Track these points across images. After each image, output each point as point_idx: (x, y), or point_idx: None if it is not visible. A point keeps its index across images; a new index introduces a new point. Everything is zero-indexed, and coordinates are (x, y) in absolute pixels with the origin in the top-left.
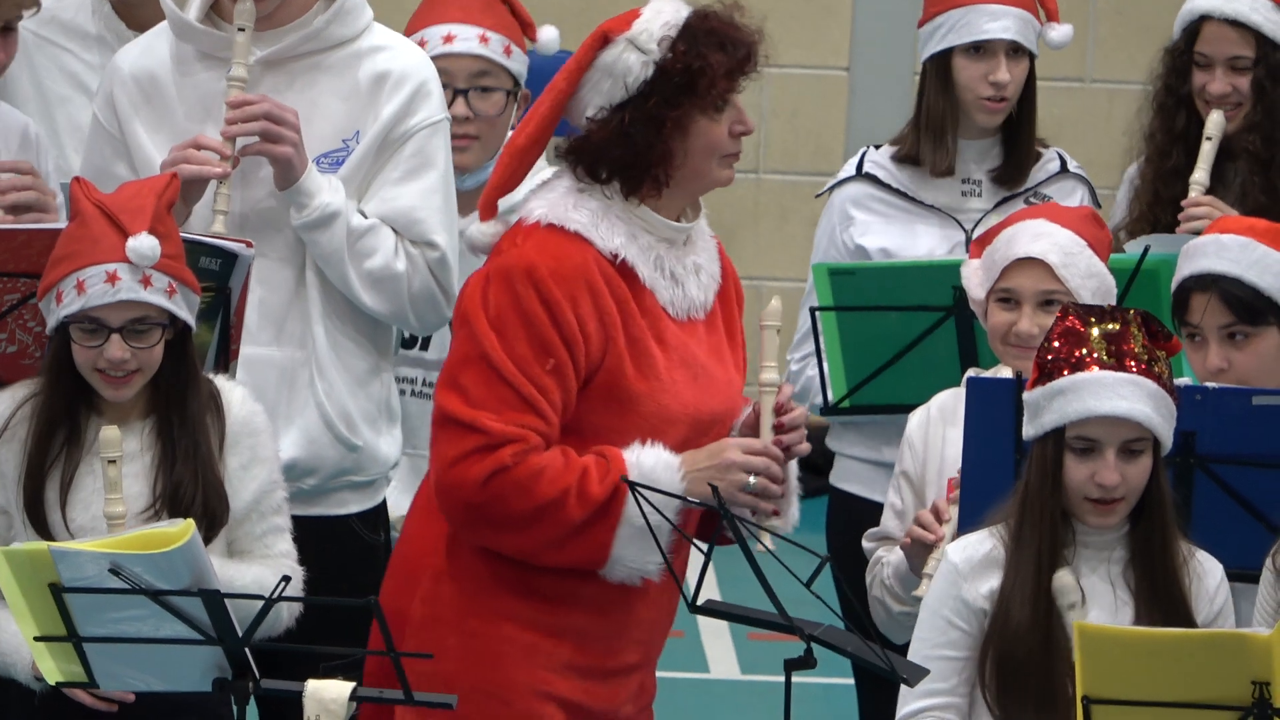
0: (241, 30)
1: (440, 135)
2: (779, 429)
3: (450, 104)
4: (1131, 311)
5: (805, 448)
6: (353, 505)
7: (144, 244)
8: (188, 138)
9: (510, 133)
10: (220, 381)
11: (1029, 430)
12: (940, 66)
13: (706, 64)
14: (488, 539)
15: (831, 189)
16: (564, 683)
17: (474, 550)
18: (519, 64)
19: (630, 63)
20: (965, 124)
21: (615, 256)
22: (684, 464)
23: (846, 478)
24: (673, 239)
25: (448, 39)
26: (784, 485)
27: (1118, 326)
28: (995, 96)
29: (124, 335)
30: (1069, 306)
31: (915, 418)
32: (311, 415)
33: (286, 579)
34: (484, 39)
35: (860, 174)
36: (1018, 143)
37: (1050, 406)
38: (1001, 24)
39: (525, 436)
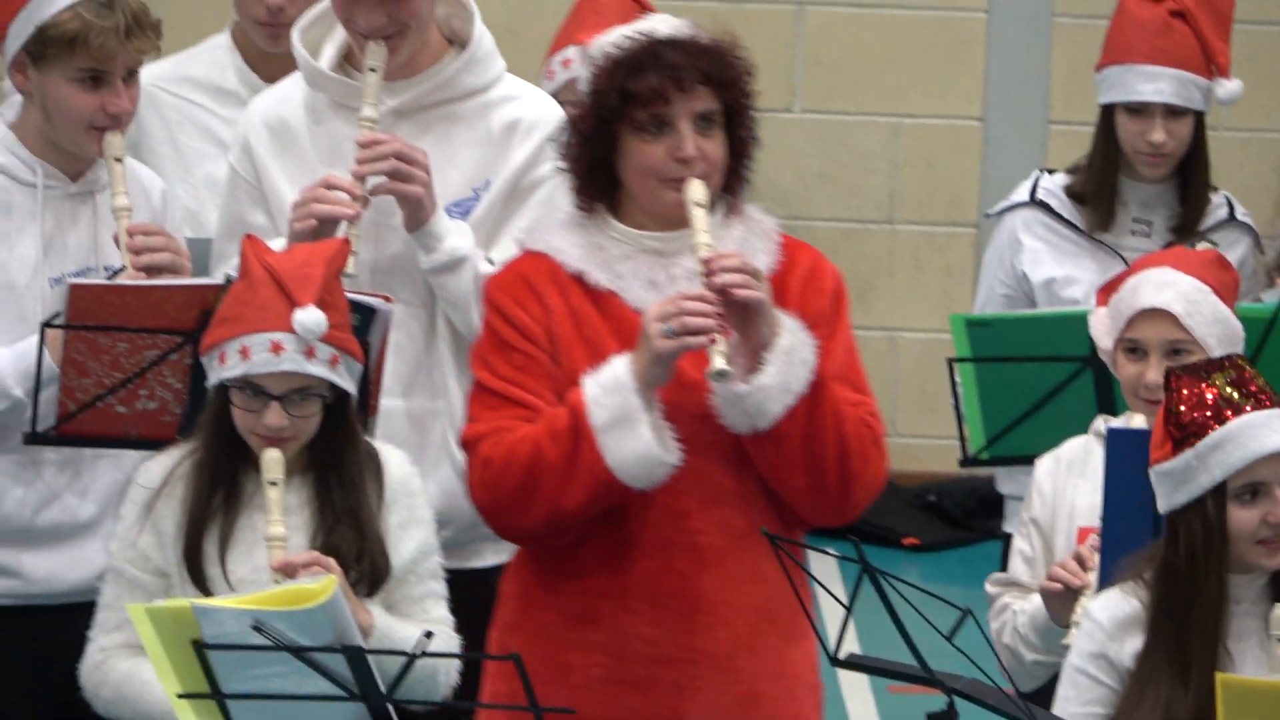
0: (372, 71)
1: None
2: (708, 275)
3: None
4: (1233, 356)
5: (747, 294)
6: (489, 557)
7: (311, 318)
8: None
9: None
10: (378, 444)
11: (1176, 498)
12: (1107, 117)
13: (631, 85)
14: (521, 527)
15: (1003, 212)
16: (592, 697)
17: (513, 578)
18: None
19: (583, 76)
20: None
21: (568, 266)
22: (630, 359)
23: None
24: (658, 249)
25: None
26: (717, 319)
27: (1235, 372)
28: (1153, 154)
29: (284, 403)
30: (1175, 373)
31: (1043, 465)
32: (445, 467)
33: (429, 634)
34: None
35: (1033, 200)
36: (1188, 195)
37: (1207, 465)
38: (1155, 86)
39: (499, 427)
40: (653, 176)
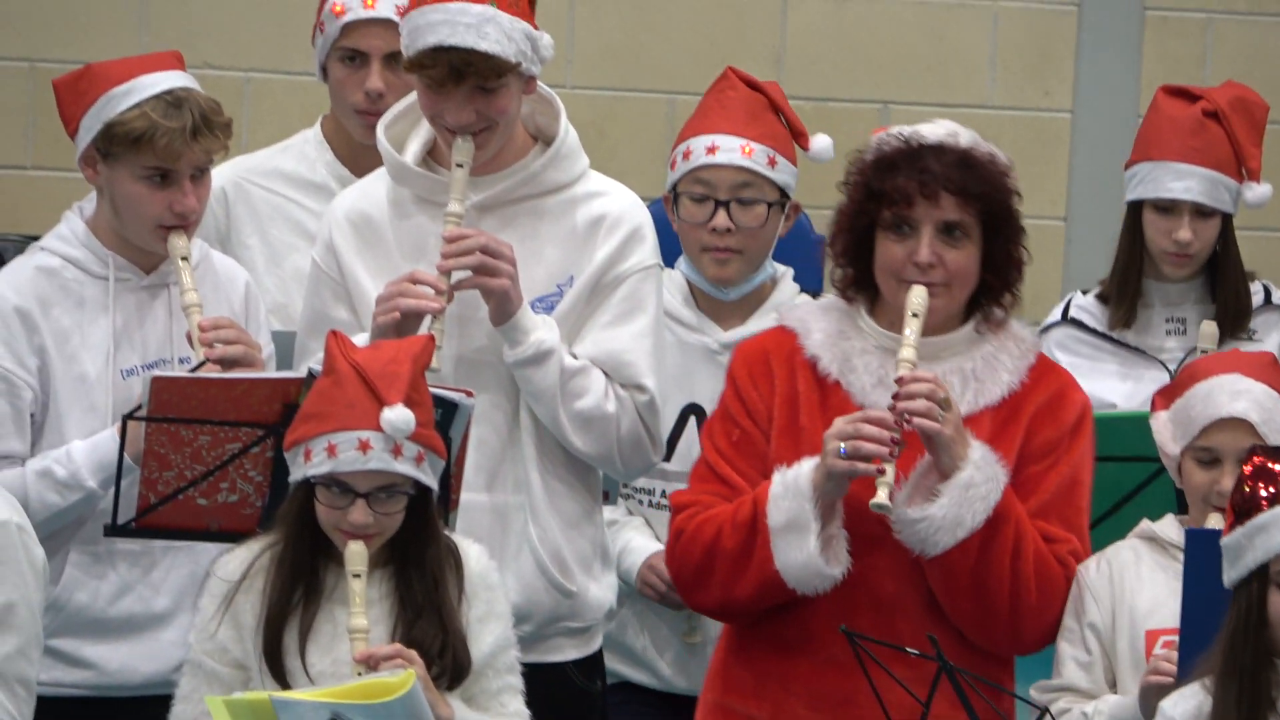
0: (460, 166)
1: (652, 280)
2: (894, 397)
3: (711, 216)
4: None
5: (929, 424)
6: (569, 652)
7: (399, 417)
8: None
9: (773, 244)
10: (457, 537)
11: (1231, 574)
12: (1134, 214)
13: (880, 184)
14: (699, 603)
15: (1040, 334)
16: None
17: (719, 644)
18: (785, 175)
19: (851, 169)
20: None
21: (807, 349)
22: (815, 466)
23: None
24: (893, 349)
25: (710, 150)
26: (891, 445)
27: None
28: (1178, 253)
29: (369, 500)
30: (1256, 448)
31: (1093, 570)
32: (526, 560)
33: None
34: (746, 150)
35: (1065, 318)
36: (1226, 298)
37: (1253, 544)
38: (1185, 184)
39: (699, 500)
40: (893, 276)
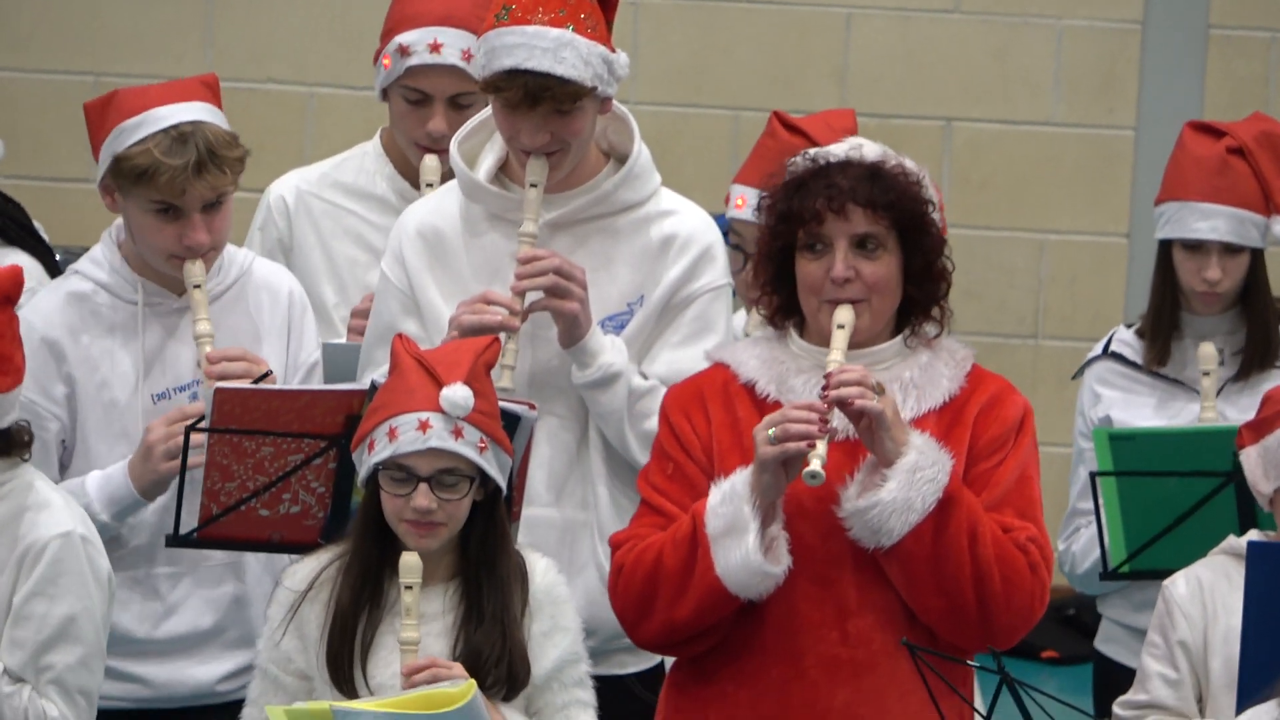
0: (534, 186)
1: (722, 300)
2: (825, 389)
3: (742, 267)
4: None
5: (867, 404)
6: (630, 665)
7: (458, 393)
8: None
9: None
10: (525, 550)
11: None
12: (1165, 252)
13: (791, 205)
14: (651, 631)
15: (1083, 368)
16: None
17: (672, 672)
18: None
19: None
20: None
21: (741, 377)
22: (750, 470)
23: (1111, 641)
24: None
25: (739, 202)
26: (821, 425)
27: None
28: (1208, 291)
29: (432, 485)
30: None
31: (1183, 587)
32: (591, 576)
33: None
34: None
35: (1107, 352)
36: (1254, 331)
37: None
38: (1211, 224)
39: (636, 534)
40: (813, 295)
